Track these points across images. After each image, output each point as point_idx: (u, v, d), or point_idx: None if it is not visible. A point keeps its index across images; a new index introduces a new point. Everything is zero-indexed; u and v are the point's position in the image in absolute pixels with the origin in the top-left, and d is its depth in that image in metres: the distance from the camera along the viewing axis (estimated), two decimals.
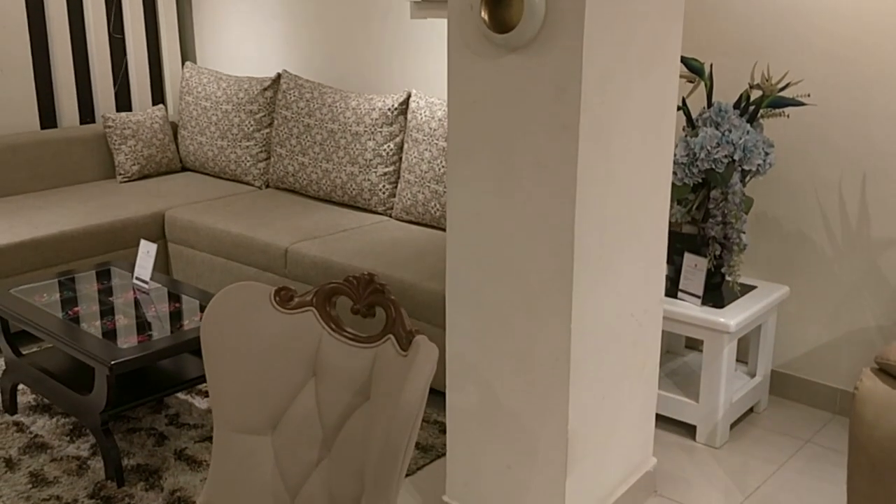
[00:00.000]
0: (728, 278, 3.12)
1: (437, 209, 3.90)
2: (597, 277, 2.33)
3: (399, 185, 4.11)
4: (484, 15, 2.18)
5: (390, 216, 4.19)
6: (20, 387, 3.49)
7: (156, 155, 4.92)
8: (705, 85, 3.09)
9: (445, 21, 4.18)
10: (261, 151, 4.71)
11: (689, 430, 3.22)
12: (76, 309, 3.16)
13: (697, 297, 3.10)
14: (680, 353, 3.61)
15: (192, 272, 4.24)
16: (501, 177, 2.30)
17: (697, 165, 2.97)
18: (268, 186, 4.75)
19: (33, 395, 3.45)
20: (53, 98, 4.92)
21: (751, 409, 3.37)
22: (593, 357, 2.40)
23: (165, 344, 2.84)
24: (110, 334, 2.92)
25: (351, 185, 4.24)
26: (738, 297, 3.16)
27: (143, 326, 2.99)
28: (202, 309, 3.15)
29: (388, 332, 1.57)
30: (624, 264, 2.45)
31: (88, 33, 4.99)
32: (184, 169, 5.11)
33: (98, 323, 3.02)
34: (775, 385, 3.48)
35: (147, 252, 3.34)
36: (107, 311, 3.13)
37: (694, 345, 3.66)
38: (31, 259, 3.90)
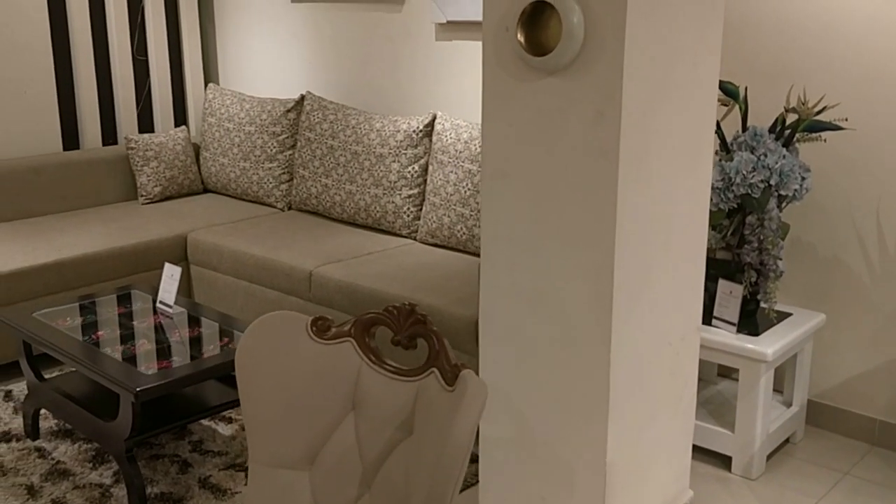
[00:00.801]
0: (764, 305, 3.05)
1: (464, 232, 3.85)
2: (635, 305, 2.27)
3: (424, 208, 4.06)
4: (520, 37, 2.13)
5: (415, 239, 4.14)
6: (41, 411, 3.44)
7: (178, 176, 4.89)
8: (740, 108, 3.04)
9: (470, 43, 4.14)
10: (283, 173, 4.68)
11: (723, 460, 3.14)
12: (99, 333, 3.12)
13: (732, 324, 3.03)
14: (712, 381, 3.53)
15: (214, 295, 4.20)
16: (537, 202, 2.24)
17: (733, 190, 2.91)
18: (290, 208, 4.71)
19: (55, 420, 3.41)
20: (76, 119, 4.91)
21: (786, 440, 3.29)
22: (631, 386, 2.33)
23: (190, 370, 2.79)
24: (134, 360, 2.87)
25: (375, 208, 4.19)
26: (773, 325, 3.09)
27: (167, 352, 2.95)
28: (226, 335, 3.10)
29: (431, 366, 1.51)
30: (662, 291, 2.39)
31: (112, 55, 4.98)
32: (205, 190, 5.08)
33: (122, 348, 2.98)
34: (811, 415, 3.40)
35: (171, 275, 3.30)
36: (130, 336, 3.09)
37: (726, 373, 3.58)
38: (52, 281, 3.87)
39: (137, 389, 2.65)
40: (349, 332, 1.63)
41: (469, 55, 4.15)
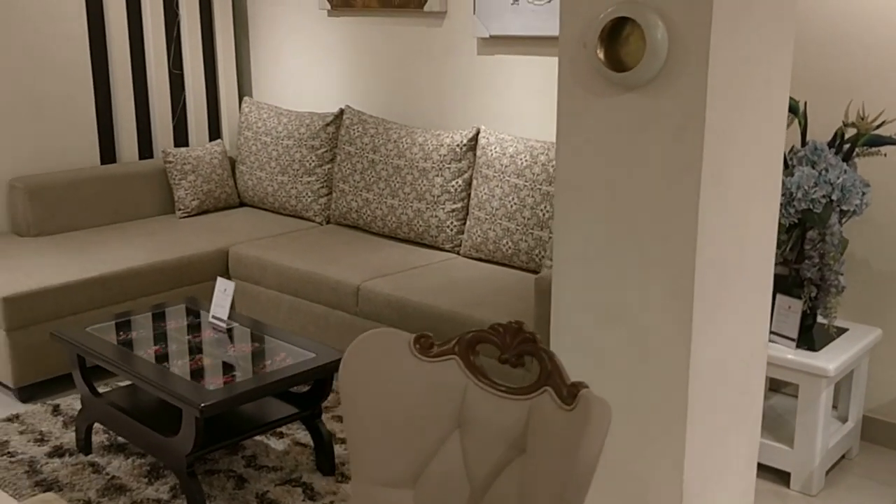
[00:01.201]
0: (824, 321, 3.04)
1: (509, 247, 3.84)
2: (711, 320, 2.26)
3: (468, 222, 4.06)
4: (600, 54, 2.13)
5: (458, 253, 4.13)
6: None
7: (214, 190, 4.90)
8: (799, 123, 3.03)
9: (514, 58, 4.14)
10: (322, 187, 4.68)
11: (780, 476, 3.12)
12: (156, 348, 3.11)
13: (792, 339, 3.02)
14: (764, 396, 3.51)
15: (257, 309, 4.19)
16: (614, 217, 2.24)
17: (794, 205, 2.90)
18: (328, 222, 4.71)
19: (106, 435, 3.40)
20: (113, 133, 4.92)
21: (842, 456, 3.27)
22: (708, 402, 2.32)
23: (253, 385, 2.78)
24: (196, 375, 2.87)
25: (418, 222, 4.19)
26: (832, 340, 3.08)
27: (227, 367, 2.94)
28: (281, 349, 3.10)
29: (543, 384, 1.51)
30: (734, 307, 2.38)
31: (149, 69, 4.99)
32: (241, 204, 5.08)
33: (180, 362, 2.97)
34: (865, 430, 3.38)
35: (224, 290, 3.29)
36: (187, 351, 3.08)
37: (776, 387, 3.57)
38: (98, 296, 3.86)
39: (202, 405, 2.64)
40: (453, 350, 1.63)
41: (513, 69, 4.16)
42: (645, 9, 2.04)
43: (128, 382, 3.55)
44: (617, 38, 2.13)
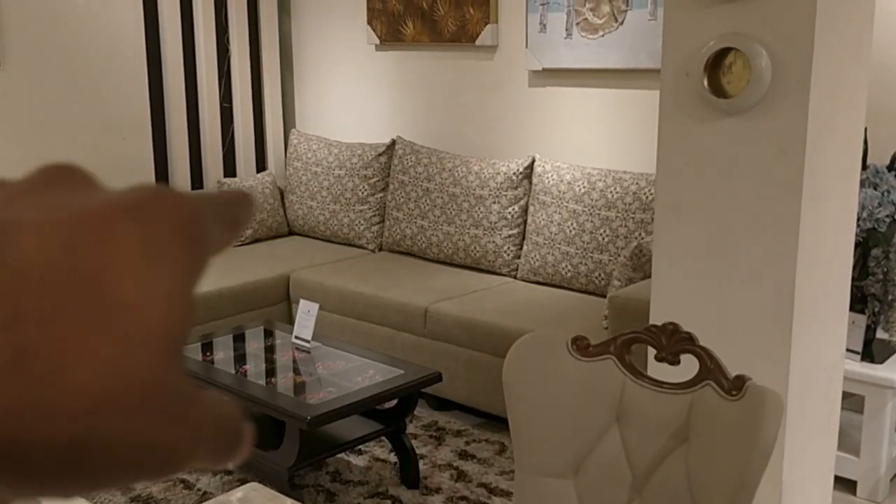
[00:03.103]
0: (884, 335, 3.20)
1: (569, 270, 4.00)
2: (804, 333, 2.41)
3: (525, 247, 4.21)
4: (705, 82, 2.30)
5: (514, 277, 4.28)
6: None
7: (267, 219, 5.04)
8: (863, 147, 3.21)
9: (566, 90, 4.32)
10: (374, 215, 4.83)
11: (846, 484, 3.26)
12: (245, 367, 3.24)
13: (856, 353, 3.17)
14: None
15: (319, 333, 4.31)
16: (715, 236, 2.39)
17: (859, 225, 3.06)
18: (381, 249, 4.86)
19: None
20: (167, 164, 5.07)
21: None
22: (798, 413, 2.46)
23: (354, 399, 2.91)
24: (296, 390, 2.99)
25: (475, 248, 4.34)
26: (893, 353, 3.23)
27: (322, 383, 3.07)
28: (369, 367, 3.23)
29: (704, 378, 1.65)
30: (821, 319, 2.53)
31: (201, 102, 5.16)
32: (290, 233, 5.22)
33: (275, 380, 3.10)
34: None
35: (308, 311, 3.43)
36: (275, 370, 3.21)
37: None
38: None
39: (308, 418, 2.77)
40: (609, 350, 1.77)
41: (566, 101, 4.33)
42: (750, 40, 2.22)
43: None
44: (718, 66, 2.30)
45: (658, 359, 1.72)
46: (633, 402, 1.73)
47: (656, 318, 2.53)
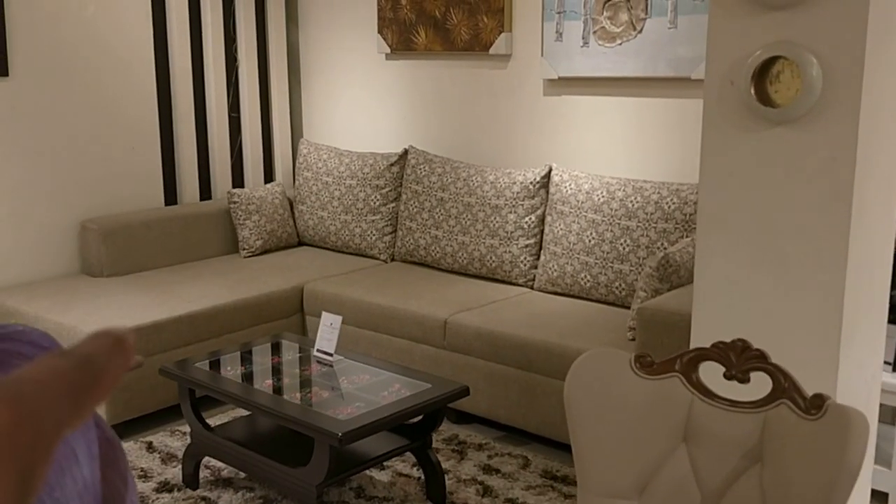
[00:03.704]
0: None
1: (588, 280, 3.95)
2: (850, 346, 2.38)
3: (542, 257, 4.16)
4: (753, 91, 2.26)
5: (531, 287, 4.23)
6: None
7: (277, 230, 4.98)
8: None
9: (581, 98, 4.28)
10: (387, 225, 4.78)
11: (878, 497, 3.22)
12: (268, 382, 3.17)
13: (889, 363, 3.14)
14: None
15: (338, 346, 4.25)
16: (760, 246, 2.35)
17: None
18: (393, 259, 4.80)
19: (208, 469, 3.44)
20: (175, 175, 5.00)
21: None
22: None
23: (383, 414, 2.85)
24: (323, 406, 2.93)
25: (491, 258, 4.29)
26: None
27: (349, 398, 3.01)
28: (395, 381, 3.17)
29: (778, 397, 1.60)
30: (863, 331, 2.50)
31: (209, 113, 5.09)
32: (300, 243, 5.16)
33: (300, 394, 3.04)
34: None
35: (330, 324, 3.37)
36: (299, 384, 3.14)
37: None
38: (185, 333, 3.92)
39: (340, 434, 2.71)
40: (675, 368, 1.72)
41: (582, 109, 4.30)
42: (800, 48, 2.18)
43: (233, 416, 3.59)
44: (765, 75, 2.26)
45: (727, 377, 1.68)
46: (702, 421, 1.68)
47: (698, 331, 2.49)
